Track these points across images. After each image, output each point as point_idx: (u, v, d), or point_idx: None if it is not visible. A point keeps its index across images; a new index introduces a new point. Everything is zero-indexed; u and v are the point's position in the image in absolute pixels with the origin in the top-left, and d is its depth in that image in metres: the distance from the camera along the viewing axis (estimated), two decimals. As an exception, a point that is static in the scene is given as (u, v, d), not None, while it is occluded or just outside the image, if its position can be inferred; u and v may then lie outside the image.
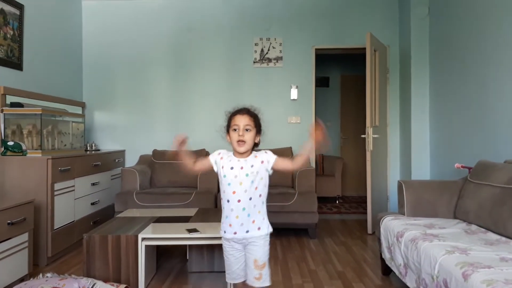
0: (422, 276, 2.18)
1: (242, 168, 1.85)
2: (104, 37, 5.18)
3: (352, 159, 7.23)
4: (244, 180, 1.84)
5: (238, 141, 1.84)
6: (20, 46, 3.84)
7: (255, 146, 1.93)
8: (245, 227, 1.84)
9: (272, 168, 1.91)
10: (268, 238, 1.90)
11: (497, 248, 2.08)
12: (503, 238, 2.28)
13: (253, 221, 1.85)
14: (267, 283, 1.88)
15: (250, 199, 1.84)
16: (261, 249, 1.87)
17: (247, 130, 1.85)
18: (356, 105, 7.17)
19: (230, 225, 1.86)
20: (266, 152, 1.92)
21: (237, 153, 1.89)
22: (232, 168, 1.86)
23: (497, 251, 2.03)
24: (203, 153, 4.71)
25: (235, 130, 1.86)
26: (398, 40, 5.08)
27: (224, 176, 1.87)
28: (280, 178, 4.50)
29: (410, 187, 3.02)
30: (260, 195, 1.88)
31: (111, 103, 5.19)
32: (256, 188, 1.86)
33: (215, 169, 1.94)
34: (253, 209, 1.85)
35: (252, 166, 1.86)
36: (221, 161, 1.90)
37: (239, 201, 1.83)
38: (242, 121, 1.85)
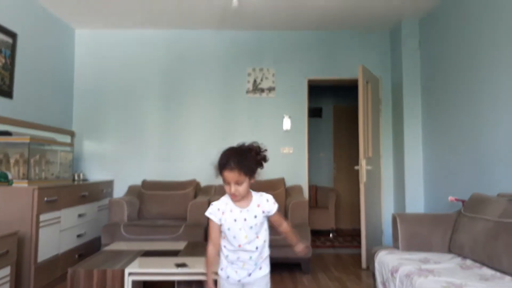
0: (417, 314, 2.11)
1: (245, 220, 1.82)
2: (96, 66, 5.19)
3: (345, 191, 7.17)
4: (249, 233, 1.82)
5: (232, 194, 1.79)
6: (11, 74, 3.83)
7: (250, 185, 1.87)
8: (249, 272, 1.85)
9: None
10: (269, 277, 1.90)
11: (492, 284, 2.04)
12: (498, 274, 2.23)
13: (260, 268, 1.87)
14: None
15: (257, 248, 1.84)
16: (263, 287, 1.88)
17: (238, 183, 1.76)
18: (349, 136, 7.18)
19: (236, 272, 1.85)
20: (267, 201, 1.87)
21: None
22: (235, 220, 1.82)
23: (492, 287, 1.99)
24: (193, 184, 4.65)
25: (227, 183, 1.78)
26: (390, 72, 5.15)
27: (229, 229, 1.83)
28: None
29: (404, 221, 2.97)
30: (264, 241, 1.87)
31: (100, 132, 5.14)
32: (257, 237, 1.84)
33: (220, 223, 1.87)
34: (259, 255, 1.85)
35: (255, 217, 1.83)
36: (223, 215, 1.84)
37: (245, 251, 1.83)
38: (231, 177, 1.75)
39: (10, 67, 3.81)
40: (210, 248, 1.87)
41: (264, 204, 1.85)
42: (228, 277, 1.87)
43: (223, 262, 1.88)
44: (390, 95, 5.13)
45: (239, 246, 1.82)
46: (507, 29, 3.03)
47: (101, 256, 3.04)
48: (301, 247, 1.95)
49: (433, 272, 2.27)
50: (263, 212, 1.84)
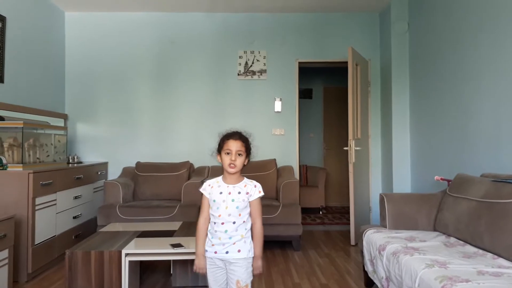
0: (403, 289, 2.23)
1: (230, 193, 1.95)
2: (87, 48, 5.16)
3: (335, 170, 7.31)
4: (230, 204, 1.94)
5: (230, 164, 1.93)
6: (1, 58, 3.80)
7: (243, 167, 2.00)
8: (225, 248, 1.93)
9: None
10: (250, 261, 1.96)
11: (474, 261, 2.14)
12: (480, 251, 2.34)
13: (234, 243, 1.93)
14: None
15: (234, 223, 1.93)
16: (244, 270, 1.93)
17: (239, 154, 1.93)
18: (339, 117, 7.28)
19: (212, 244, 1.95)
20: (255, 186, 2.01)
21: (227, 177, 1.98)
22: (221, 193, 1.96)
23: (474, 264, 2.09)
24: (187, 166, 4.71)
25: (227, 153, 1.93)
26: (379, 54, 5.20)
27: (214, 200, 1.96)
28: (264, 190, 4.51)
29: (391, 200, 3.08)
30: (243, 221, 1.96)
31: (93, 115, 5.15)
32: (240, 214, 1.95)
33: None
34: (235, 232, 1.93)
35: (239, 193, 1.96)
36: (212, 189, 1.99)
37: (222, 223, 1.93)
38: (235, 146, 1.93)
39: (0, 51, 3.78)
40: (201, 221, 2.01)
41: (251, 186, 2.00)
42: (207, 250, 1.96)
43: (206, 241, 1.99)
44: (379, 77, 5.19)
45: (219, 216, 1.93)
46: (491, 12, 3.09)
47: (97, 237, 3.11)
48: (258, 263, 1.96)
49: (418, 250, 2.37)
50: (247, 193, 1.97)
